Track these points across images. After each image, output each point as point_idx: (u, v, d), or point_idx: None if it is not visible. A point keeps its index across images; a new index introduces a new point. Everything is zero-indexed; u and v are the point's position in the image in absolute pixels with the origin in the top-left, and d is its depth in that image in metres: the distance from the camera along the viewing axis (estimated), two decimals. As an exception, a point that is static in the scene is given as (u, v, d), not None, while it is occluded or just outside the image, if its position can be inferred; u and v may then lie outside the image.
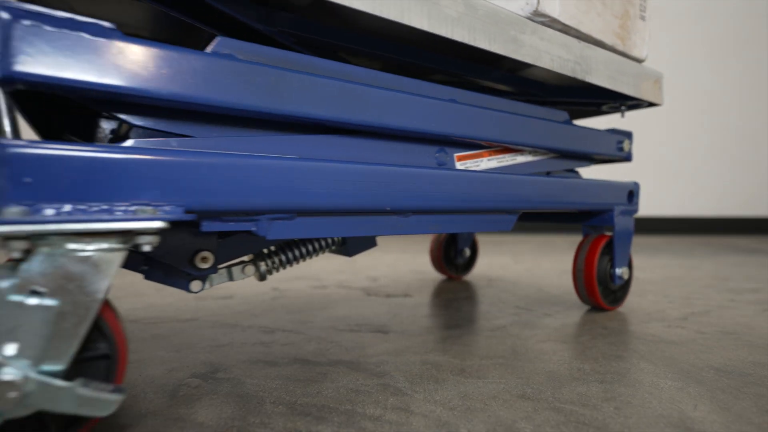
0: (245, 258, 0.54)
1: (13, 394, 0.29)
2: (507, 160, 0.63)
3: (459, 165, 0.58)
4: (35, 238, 0.30)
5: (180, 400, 0.42)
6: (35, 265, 0.30)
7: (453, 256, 1.08)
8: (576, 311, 0.77)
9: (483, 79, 0.66)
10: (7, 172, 0.29)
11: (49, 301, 0.30)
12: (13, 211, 0.29)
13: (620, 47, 0.71)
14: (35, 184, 0.30)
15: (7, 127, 0.33)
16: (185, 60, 0.36)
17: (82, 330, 0.32)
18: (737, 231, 2.68)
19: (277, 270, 0.55)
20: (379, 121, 0.47)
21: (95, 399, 0.32)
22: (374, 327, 0.66)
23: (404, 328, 0.66)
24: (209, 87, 0.37)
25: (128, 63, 0.34)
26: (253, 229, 0.42)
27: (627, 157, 0.81)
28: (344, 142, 0.48)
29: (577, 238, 2.22)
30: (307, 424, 0.38)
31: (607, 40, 0.69)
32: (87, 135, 0.55)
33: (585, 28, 0.65)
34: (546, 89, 0.74)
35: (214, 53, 0.38)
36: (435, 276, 1.10)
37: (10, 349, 0.30)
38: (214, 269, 0.47)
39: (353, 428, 0.38)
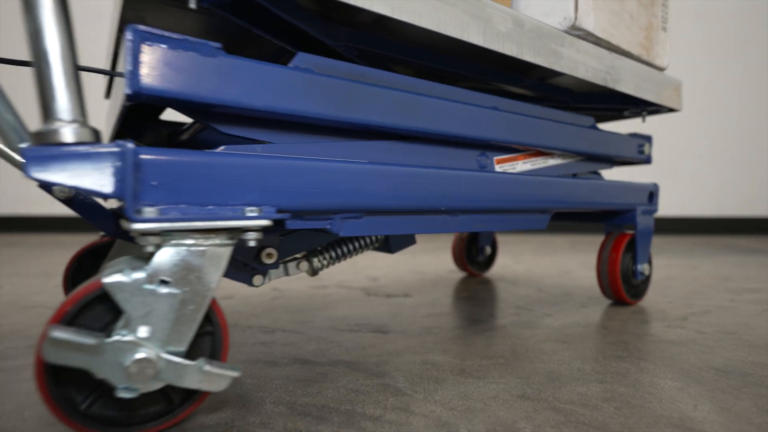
0: (297, 255, 0.57)
1: (150, 371, 0.33)
2: (539, 163, 0.67)
3: (497, 168, 0.61)
4: (164, 234, 0.34)
5: (180, 400, 0.42)
6: (164, 258, 0.34)
7: (474, 254, 1.10)
8: (576, 311, 0.77)
9: (514, 86, 0.69)
10: (139, 177, 0.32)
11: (174, 290, 0.34)
12: (150, 210, 0.33)
13: (645, 57, 0.76)
14: (160, 187, 0.33)
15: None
16: (277, 74, 0.39)
17: (199, 316, 0.35)
18: (737, 231, 2.68)
19: (327, 266, 0.58)
20: (434, 127, 0.50)
21: (217, 375, 0.36)
22: (374, 327, 0.66)
23: (404, 328, 0.66)
24: (294, 98, 0.40)
25: (232, 78, 0.37)
26: (328, 227, 0.45)
27: (647, 160, 0.84)
28: (403, 147, 0.51)
29: (576, 239, 2.22)
30: (307, 424, 0.38)
31: (634, 50, 0.74)
32: (142, 138, 0.57)
33: (615, 40, 0.69)
34: (572, 96, 0.78)
35: (296, 67, 0.41)
36: (435, 276, 1.11)
37: (144, 331, 0.33)
38: (276, 264, 0.50)
39: (353, 428, 0.38)
